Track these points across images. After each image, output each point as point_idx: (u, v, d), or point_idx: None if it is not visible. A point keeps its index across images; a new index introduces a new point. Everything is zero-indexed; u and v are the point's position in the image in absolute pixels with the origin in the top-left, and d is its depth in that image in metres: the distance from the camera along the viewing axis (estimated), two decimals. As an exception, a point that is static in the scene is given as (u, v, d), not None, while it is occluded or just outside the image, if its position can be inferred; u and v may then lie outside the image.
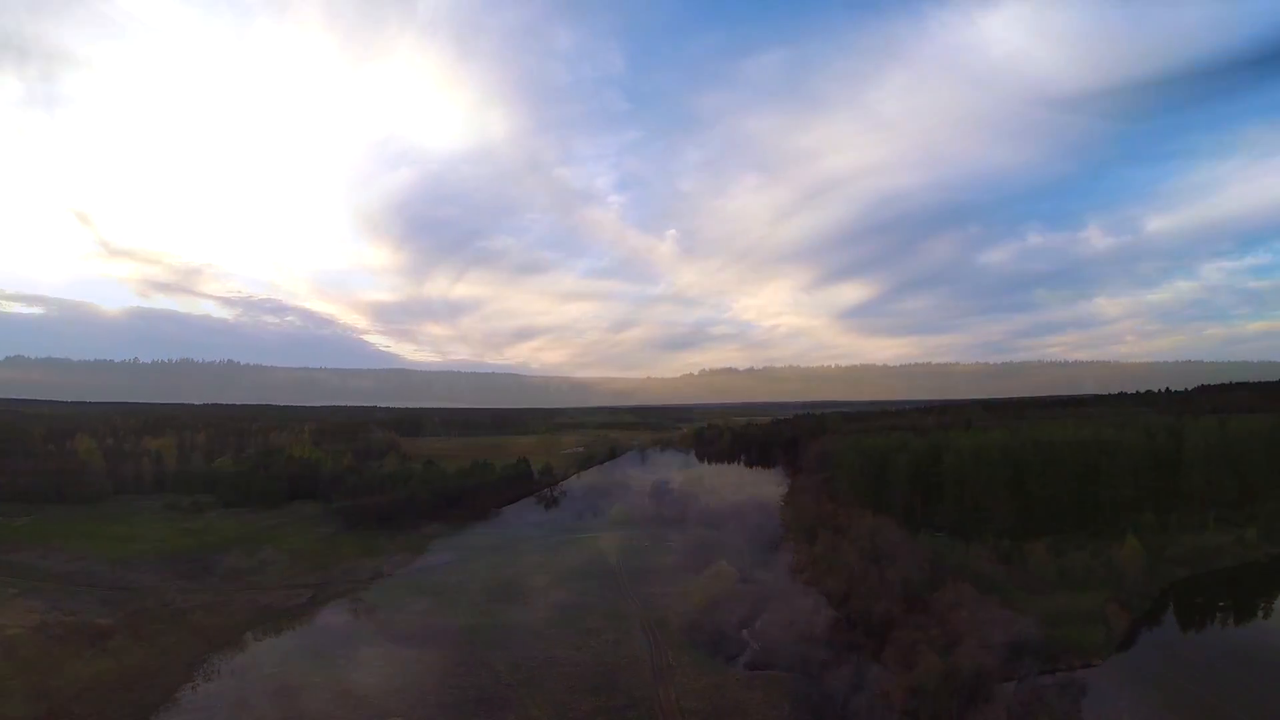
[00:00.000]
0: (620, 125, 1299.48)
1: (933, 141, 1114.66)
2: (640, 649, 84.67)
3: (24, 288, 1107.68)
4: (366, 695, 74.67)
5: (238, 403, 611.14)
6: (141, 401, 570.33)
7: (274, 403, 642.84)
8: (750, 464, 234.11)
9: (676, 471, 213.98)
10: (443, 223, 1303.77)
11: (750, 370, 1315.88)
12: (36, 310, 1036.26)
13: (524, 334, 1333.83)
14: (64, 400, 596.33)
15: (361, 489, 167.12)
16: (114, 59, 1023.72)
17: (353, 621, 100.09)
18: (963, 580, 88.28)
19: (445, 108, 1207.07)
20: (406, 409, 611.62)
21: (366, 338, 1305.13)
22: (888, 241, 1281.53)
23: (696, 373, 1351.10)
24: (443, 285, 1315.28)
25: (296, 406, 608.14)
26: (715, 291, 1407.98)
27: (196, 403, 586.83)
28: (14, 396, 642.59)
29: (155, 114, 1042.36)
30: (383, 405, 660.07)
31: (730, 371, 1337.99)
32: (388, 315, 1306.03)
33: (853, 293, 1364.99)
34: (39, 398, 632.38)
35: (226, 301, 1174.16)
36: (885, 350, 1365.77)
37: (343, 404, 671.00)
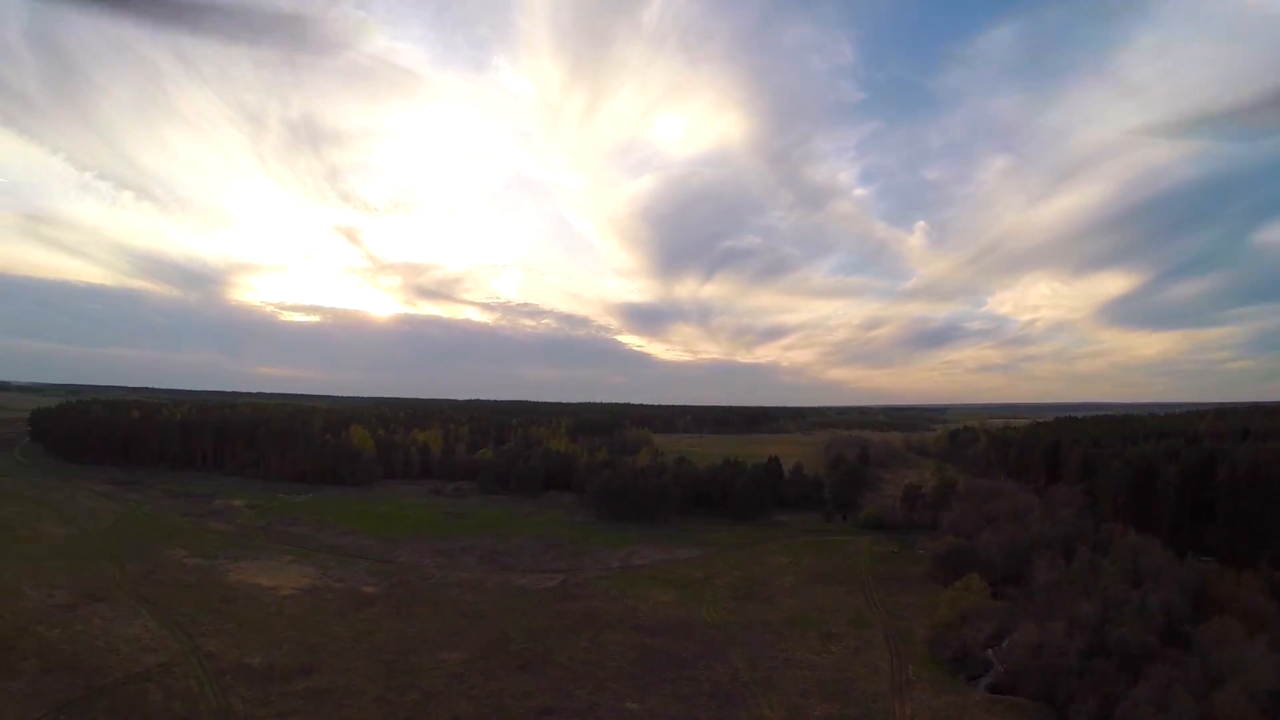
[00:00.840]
0: (857, 116, 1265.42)
1: (1191, 106, 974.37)
2: (880, 659, 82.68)
3: (303, 299, 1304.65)
4: (604, 679, 74.76)
5: (501, 398, 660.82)
6: (409, 397, 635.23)
7: (532, 399, 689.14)
8: (1006, 469, 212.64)
9: (929, 474, 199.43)
10: (688, 225, 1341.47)
11: (1006, 368, 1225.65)
12: (314, 319, 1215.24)
13: (774, 332, 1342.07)
14: (340, 396, 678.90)
15: (614, 482, 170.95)
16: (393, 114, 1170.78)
17: (600, 607, 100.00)
18: (1230, 614, 73.28)
19: (682, 114, 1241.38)
20: (659, 406, 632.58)
21: (619, 338, 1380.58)
22: (1149, 223, 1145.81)
23: (950, 371, 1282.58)
24: (692, 286, 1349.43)
25: (553, 403, 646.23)
26: (968, 285, 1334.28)
27: (460, 399, 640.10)
28: (297, 392, 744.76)
29: (412, 147, 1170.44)
30: (636, 402, 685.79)
31: (985, 370, 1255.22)
32: (639, 316, 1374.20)
33: (1113, 283, 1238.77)
34: (318, 393, 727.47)
35: (486, 307, 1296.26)
36: (1150, 345, 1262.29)
37: (598, 400, 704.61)
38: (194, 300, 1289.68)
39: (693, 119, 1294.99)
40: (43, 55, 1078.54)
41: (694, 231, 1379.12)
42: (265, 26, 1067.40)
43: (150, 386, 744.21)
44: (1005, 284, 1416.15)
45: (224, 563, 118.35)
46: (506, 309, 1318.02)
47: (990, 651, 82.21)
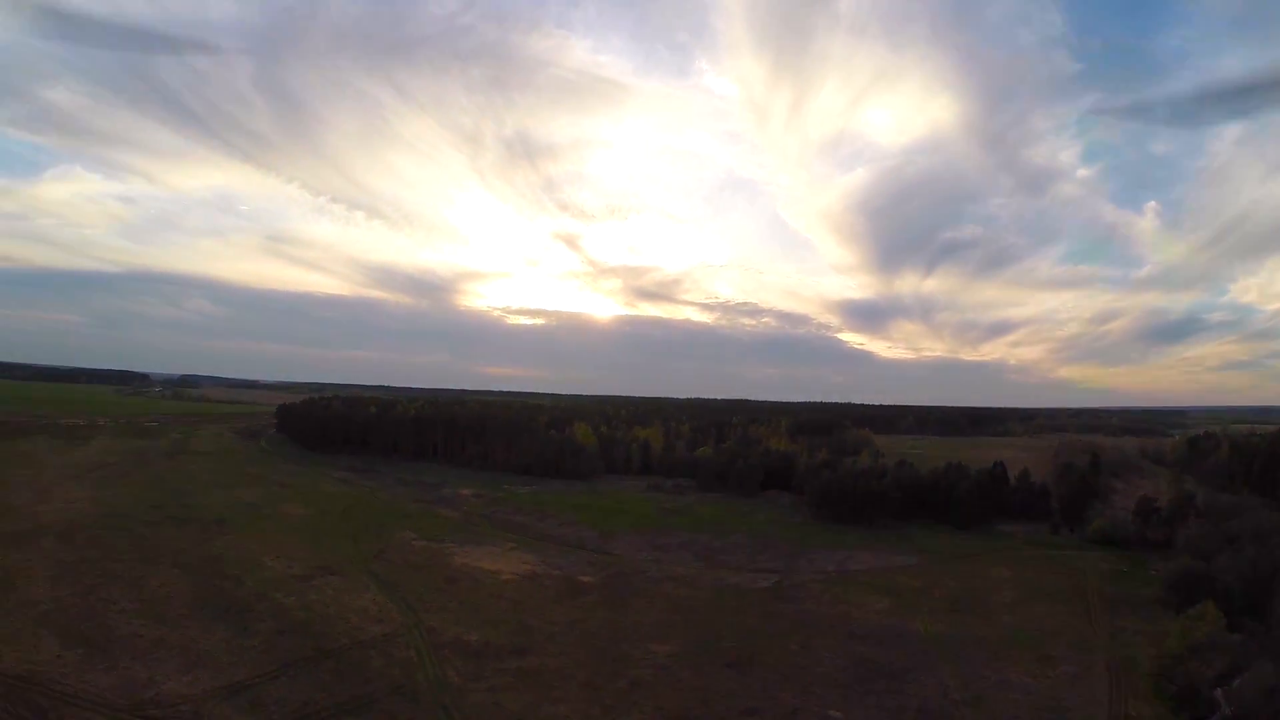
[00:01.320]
0: (1075, 89, 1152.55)
1: None
2: (1100, 688, 76.36)
3: (528, 304, 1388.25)
4: (810, 684, 72.40)
5: (719, 397, 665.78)
6: (631, 395, 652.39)
7: (753, 398, 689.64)
8: (1250, 482, 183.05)
9: (1165, 485, 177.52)
10: (905, 218, 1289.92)
11: (1252, 365, 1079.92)
12: (539, 321, 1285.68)
13: (999, 328, 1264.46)
14: (564, 394, 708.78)
15: (833, 484, 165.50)
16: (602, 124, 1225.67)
17: (812, 610, 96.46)
18: None
19: (889, 102, 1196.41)
20: (880, 406, 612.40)
21: (840, 336, 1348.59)
22: None
23: (1190, 369, 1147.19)
24: (912, 281, 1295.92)
25: (773, 402, 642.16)
26: (1206, 271, 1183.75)
27: (680, 397, 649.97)
28: (523, 390, 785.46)
29: (624, 155, 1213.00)
30: (857, 402, 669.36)
31: (1229, 367, 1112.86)
32: (859, 313, 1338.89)
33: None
34: (543, 391, 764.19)
35: (705, 307, 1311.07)
36: None
37: (818, 400, 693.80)
38: (425, 307, 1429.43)
39: (901, 107, 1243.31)
40: (271, 98, 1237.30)
41: (911, 224, 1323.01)
42: (472, 54, 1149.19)
43: (385, 385, 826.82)
44: (1248, 269, 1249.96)
45: (450, 546, 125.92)
46: (726, 308, 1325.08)
47: (1219, 691, 71.34)
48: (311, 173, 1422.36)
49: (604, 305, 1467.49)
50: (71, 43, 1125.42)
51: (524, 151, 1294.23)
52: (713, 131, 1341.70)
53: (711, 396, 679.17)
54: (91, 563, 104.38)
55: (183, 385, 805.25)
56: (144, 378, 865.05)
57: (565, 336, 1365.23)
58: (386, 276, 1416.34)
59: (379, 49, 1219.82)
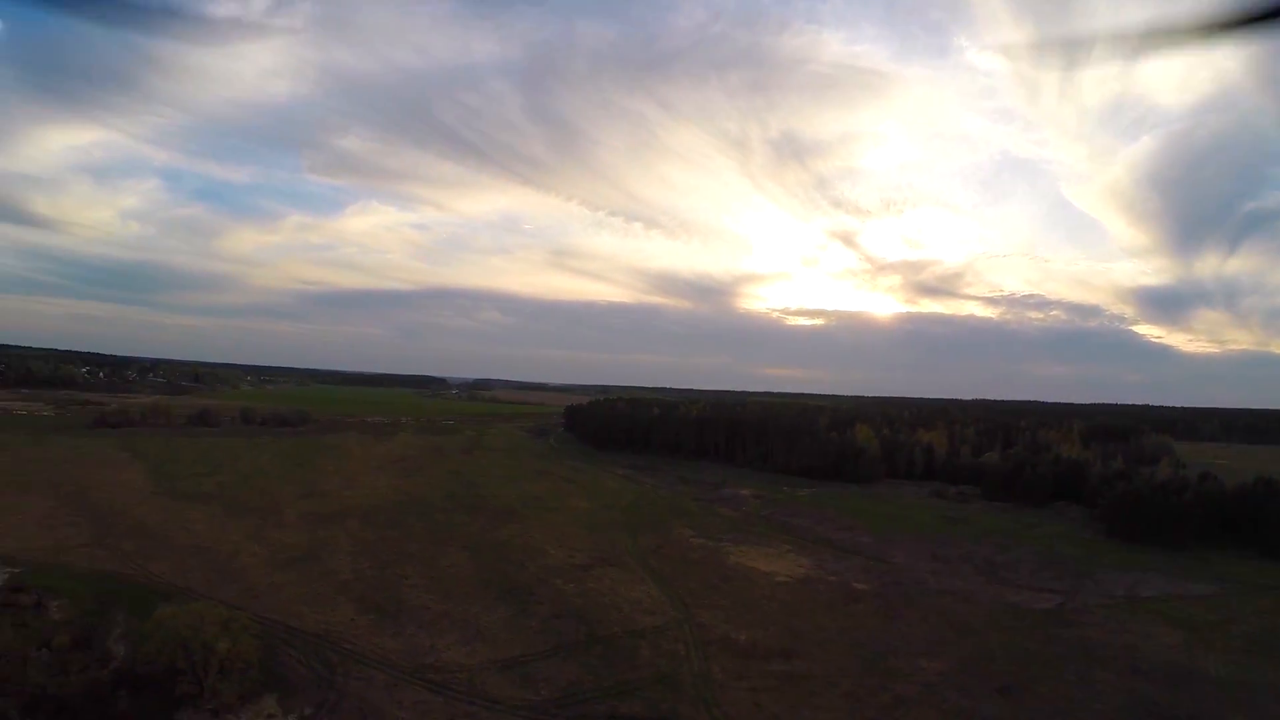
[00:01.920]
0: None
1: None
2: None
3: (807, 304, 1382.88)
4: None
5: (1005, 398, 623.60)
6: (913, 396, 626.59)
7: (1041, 399, 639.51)
8: None
9: None
10: (1199, 188, 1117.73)
11: None
12: (818, 322, 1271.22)
13: None
14: (845, 395, 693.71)
15: (1129, 497, 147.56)
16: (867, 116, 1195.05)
17: (1095, 638, 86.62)
18: None
19: (1168, 58, 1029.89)
20: (1181, 409, 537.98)
21: (1135, 329, 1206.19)
22: None
23: None
24: (1213, 262, 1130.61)
25: (1063, 403, 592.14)
26: None
27: (965, 398, 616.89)
28: (803, 391, 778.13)
29: (893, 146, 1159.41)
30: (1155, 404, 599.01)
31: None
32: (1156, 302, 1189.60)
33: None
34: (824, 393, 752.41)
35: (989, 301, 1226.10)
36: None
37: (1112, 401, 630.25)
38: (705, 310, 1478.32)
39: (1182, 61, 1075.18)
40: (542, 125, 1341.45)
41: (1208, 195, 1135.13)
42: (727, 60, 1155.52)
43: (667, 386, 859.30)
44: None
45: (726, 545, 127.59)
46: (1011, 302, 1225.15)
47: None
48: (588, 190, 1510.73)
49: (883, 303, 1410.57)
50: (355, 97, 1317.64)
51: (792, 151, 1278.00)
52: (982, 111, 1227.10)
53: (998, 398, 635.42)
54: (389, 542, 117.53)
55: (477, 388, 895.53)
56: (442, 382, 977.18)
57: (844, 336, 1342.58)
58: (666, 283, 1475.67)
59: (637, 67, 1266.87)
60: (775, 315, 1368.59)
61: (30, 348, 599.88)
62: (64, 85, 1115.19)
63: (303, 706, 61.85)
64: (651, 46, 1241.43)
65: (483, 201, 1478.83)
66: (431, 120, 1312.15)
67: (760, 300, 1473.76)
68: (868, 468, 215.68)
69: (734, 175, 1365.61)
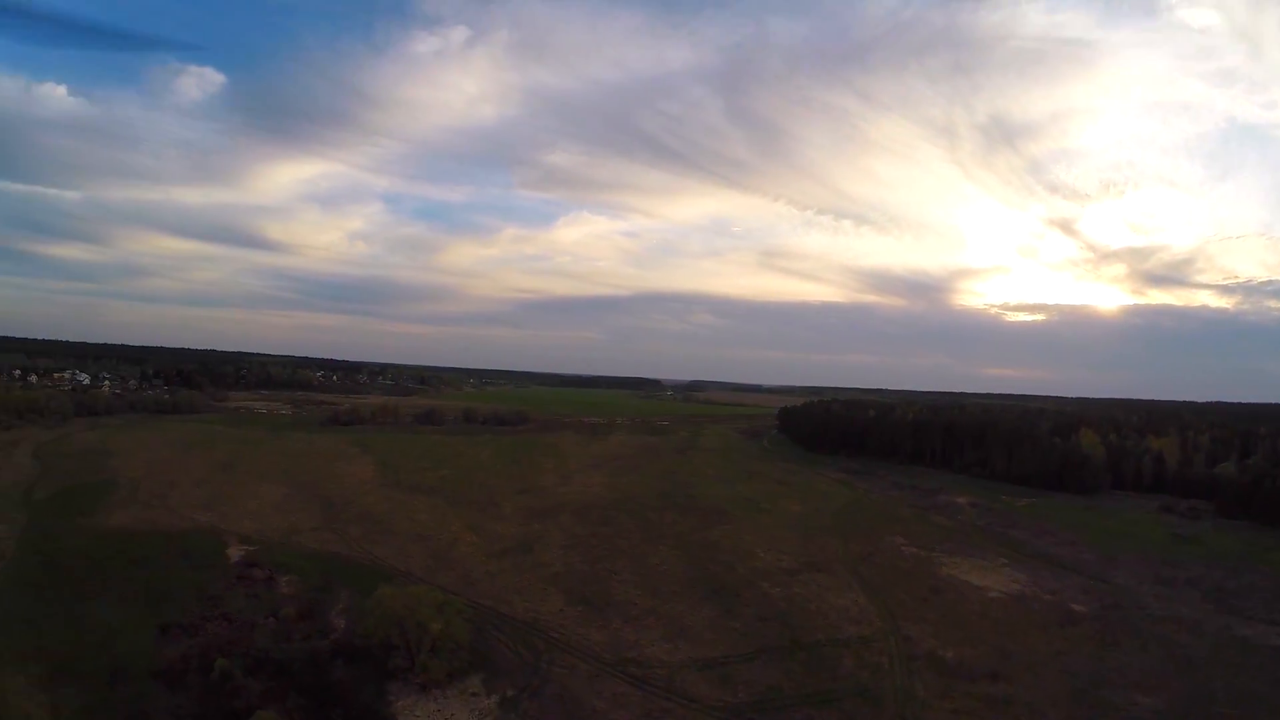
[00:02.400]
0: None
1: None
2: None
3: (1026, 298, 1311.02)
4: None
5: (1243, 400, 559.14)
6: (1143, 398, 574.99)
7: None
8: None
9: None
10: None
11: None
12: (1039, 317, 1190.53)
13: None
14: (1068, 396, 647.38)
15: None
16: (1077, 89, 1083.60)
17: None
18: None
19: None
20: None
21: None
22: None
23: None
24: None
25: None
26: None
27: (1199, 400, 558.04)
28: (1024, 393, 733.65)
29: (1108, 120, 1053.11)
30: None
31: None
32: None
33: None
34: (1046, 394, 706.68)
35: (1223, 290, 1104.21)
36: None
37: None
38: (919, 308, 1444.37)
39: None
40: (744, 127, 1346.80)
41: None
42: (925, 44, 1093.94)
43: (882, 388, 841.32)
44: None
45: (939, 555, 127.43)
46: (1247, 290, 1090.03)
47: None
48: (795, 189, 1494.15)
49: (1107, 295, 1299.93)
50: (559, 114, 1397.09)
51: (1001, 135, 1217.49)
52: (1201, 74, 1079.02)
53: (1234, 399, 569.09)
54: (600, 538, 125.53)
55: (691, 389, 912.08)
56: (656, 383, 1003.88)
57: (1066, 332, 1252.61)
58: (879, 280, 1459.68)
59: (832, 60, 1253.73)
60: (993, 311, 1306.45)
61: (270, 354, 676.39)
62: (288, 126, 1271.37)
63: (506, 688, 69.68)
64: (845, 38, 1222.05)
65: (691, 206, 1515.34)
66: (635, 130, 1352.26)
67: (977, 296, 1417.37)
68: (1092, 477, 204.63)
69: (942, 164, 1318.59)
